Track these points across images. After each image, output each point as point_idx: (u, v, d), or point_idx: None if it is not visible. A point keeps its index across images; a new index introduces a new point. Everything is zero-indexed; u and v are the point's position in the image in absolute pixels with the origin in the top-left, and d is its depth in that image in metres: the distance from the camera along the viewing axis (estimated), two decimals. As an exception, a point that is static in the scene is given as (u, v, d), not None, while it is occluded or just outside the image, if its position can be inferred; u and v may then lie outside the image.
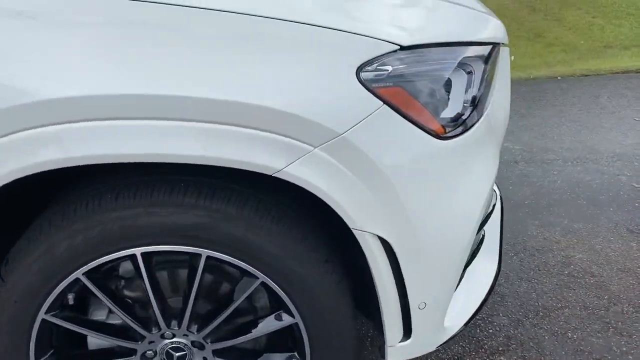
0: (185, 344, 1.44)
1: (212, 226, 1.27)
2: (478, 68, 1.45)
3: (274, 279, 1.32)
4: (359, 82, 1.21)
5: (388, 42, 1.25)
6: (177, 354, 1.45)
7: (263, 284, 1.33)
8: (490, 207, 1.66)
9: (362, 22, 1.28)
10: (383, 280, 1.33)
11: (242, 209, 1.27)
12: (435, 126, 1.30)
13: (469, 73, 1.41)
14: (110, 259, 1.30)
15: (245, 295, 1.36)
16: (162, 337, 1.43)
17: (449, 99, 1.34)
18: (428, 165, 1.29)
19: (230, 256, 1.30)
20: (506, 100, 1.61)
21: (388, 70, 1.24)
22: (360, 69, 1.22)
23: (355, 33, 1.23)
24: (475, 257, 1.65)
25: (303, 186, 1.21)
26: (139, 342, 1.43)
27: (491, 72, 1.49)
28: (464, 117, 1.37)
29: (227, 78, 1.14)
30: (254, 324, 1.43)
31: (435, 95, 1.31)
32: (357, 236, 1.27)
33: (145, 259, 1.31)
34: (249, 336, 1.43)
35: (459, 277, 1.42)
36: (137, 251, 1.30)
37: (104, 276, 1.37)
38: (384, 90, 1.23)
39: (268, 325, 1.41)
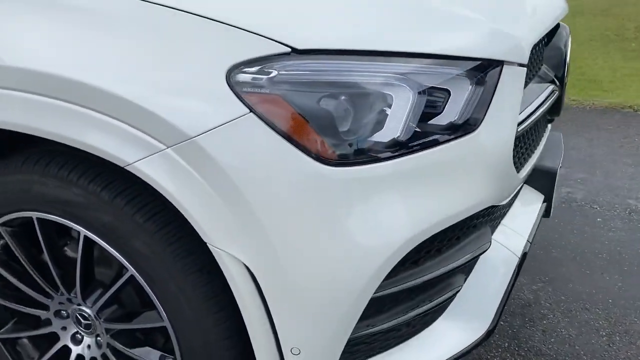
0: (90, 314, 1.47)
1: (86, 207, 1.26)
2: (458, 88, 1.20)
3: (142, 275, 1.27)
4: (227, 83, 1.07)
5: (278, 42, 1.09)
6: (85, 322, 1.49)
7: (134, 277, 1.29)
8: (477, 254, 1.38)
9: (261, 15, 1.13)
10: (248, 311, 1.19)
11: (115, 197, 1.23)
12: (323, 149, 1.10)
13: (423, 93, 1.17)
14: (12, 217, 1.37)
15: (118, 285, 1.33)
16: (70, 301, 1.48)
17: (362, 118, 1.13)
18: (304, 191, 1.11)
19: (104, 241, 1.28)
20: (509, 134, 1.31)
21: (270, 75, 1.08)
22: (234, 69, 1.08)
23: (239, 27, 1.09)
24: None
25: (153, 185, 1.13)
26: (50, 300, 1.49)
27: (487, 96, 1.23)
28: (389, 144, 1.15)
29: (72, 55, 1.10)
30: (136, 314, 1.40)
31: (334, 113, 1.11)
32: (214, 254, 1.16)
33: (43, 224, 1.36)
34: (128, 325, 1.40)
35: (349, 328, 1.21)
36: (34, 215, 1.35)
37: (18, 231, 1.45)
38: (256, 97, 1.08)
39: (142, 319, 1.37)
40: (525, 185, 1.81)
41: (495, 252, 1.51)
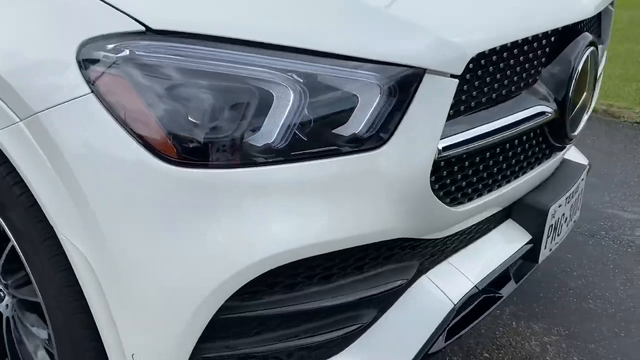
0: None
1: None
2: (362, 95, 1.03)
3: (20, 247, 1.25)
4: (76, 58, 1.00)
5: (133, 18, 0.99)
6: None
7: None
8: (381, 290, 1.20)
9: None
10: (94, 307, 1.12)
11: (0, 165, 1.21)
12: (165, 144, 0.99)
13: (313, 95, 1.02)
14: None
15: (5, 253, 1.32)
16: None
17: (221, 116, 1.00)
18: (141, 189, 1.00)
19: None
20: (426, 156, 1.10)
21: (120, 55, 0.99)
22: (86, 45, 1.00)
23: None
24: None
25: (9, 158, 1.09)
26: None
27: (399, 109, 1.05)
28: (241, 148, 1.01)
29: None
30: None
31: (184, 105, 0.98)
32: (60, 240, 1.09)
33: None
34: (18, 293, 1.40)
35: (189, 344, 1.09)
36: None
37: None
38: (100, 76, 0.99)
39: (26, 292, 1.36)
40: (510, 219, 1.54)
41: (427, 294, 1.29)
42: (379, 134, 1.07)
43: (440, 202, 1.16)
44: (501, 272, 1.48)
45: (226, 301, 1.06)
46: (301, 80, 1.02)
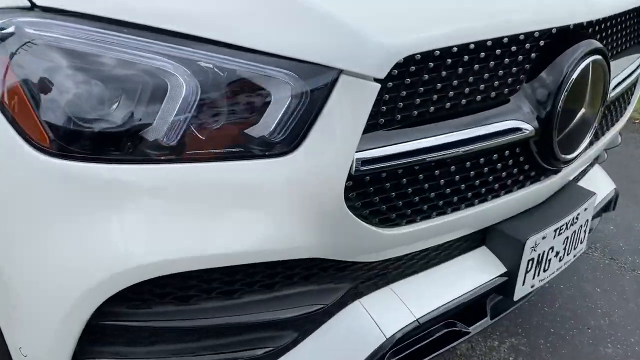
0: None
1: None
2: (276, 93, 0.93)
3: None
4: None
5: (19, -8, 0.92)
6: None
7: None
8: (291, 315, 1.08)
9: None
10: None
11: None
12: (39, 132, 0.91)
13: (198, 86, 0.92)
14: None
15: None
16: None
17: (102, 104, 0.91)
18: (14, 179, 0.94)
19: None
20: (340, 167, 0.97)
21: (4, 31, 0.92)
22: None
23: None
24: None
25: None
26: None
27: (310, 113, 0.93)
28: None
29: None
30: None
31: (61, 90, 0.91)
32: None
33: None
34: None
35: (67, 347, 1.02)
36: None
37: None
38: (-17, 55, 0.93)
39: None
40: (485, 247, 1.36)
41: (356, 322, 1.16)
42: (288, 139, 0.95)
43: (361, 222, 1.02)
44: (470, 304, 1.32)
45: (109, 306, 0.99)
46: (199, 73, 0.92)
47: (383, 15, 0.96)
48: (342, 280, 1.13)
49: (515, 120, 1.15)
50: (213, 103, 0.93)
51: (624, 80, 1.48)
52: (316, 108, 0.93)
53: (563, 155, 1.27)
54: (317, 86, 0.93)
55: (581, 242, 1.51)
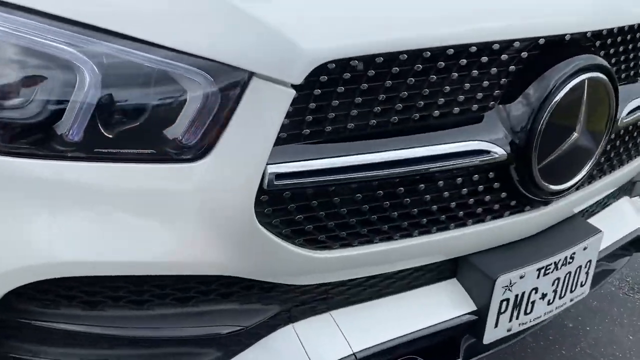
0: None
1: None
2: (183, 93, 0.87)
3: None
4: None
5: None
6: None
7: None
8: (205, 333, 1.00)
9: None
10: None
11: None
12: None
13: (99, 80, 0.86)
14: None
15: None
16: None
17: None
18: None
19: None
20: (251, 177, 0.88)
21: None
22: None
23: None
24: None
25: None
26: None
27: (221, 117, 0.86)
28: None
29: None
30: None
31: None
32: None
33: None
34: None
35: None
36: None
37: None
38: None
39: None
40: (455, 279, 1.21)
41: (285, 349, 1.06)
42: (198, 144, 0.87)
43: (280, 241, 0.92)
44: (440, 342, 1.19)
45: (17, 303, 0.95)
46: (104, 66, 0.85)
47: (309, 18, 0.86)
48: (270, 302, 1.03)
49: (480, 142, 1.01)
50: (118, 99, 0.86)
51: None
52: (226, 113, 0.85)
53: (549, 186, 1.11)
54: (228, 89, 0.85)
55: (582, 285, 1.33)
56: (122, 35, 0.85)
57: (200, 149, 0.88)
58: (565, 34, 1.06)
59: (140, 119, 0.88)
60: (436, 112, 0.99)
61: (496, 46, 0.99)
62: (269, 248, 0.92)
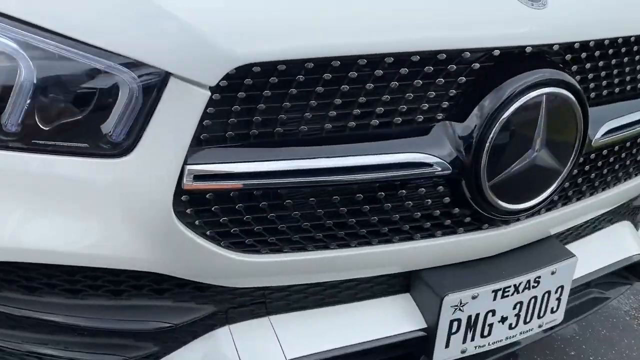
0: None
1: None
2: (109, 90, 0.90)
3: None
4: None
5: None
6: None
7: None
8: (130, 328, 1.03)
9: None
10: None
11: None
12: None
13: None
14: None
15: None
16: None
17: None
18: None
19: None
20: (169, 176, 0.89)
21: None
22: None
23: None
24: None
25: None
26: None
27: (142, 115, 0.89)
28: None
29: None
30: None
31: None
32: None
33: None
34: None
35: None
36: None
37: None
38: None
39: None
40: (409, 294, 1.18)
41: (218, 351, 1.05)
42: (124, 141, 0.89)
43: (202, 241, 0.92)
44: (391, 356, 1.16)
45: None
46: (38, 59, 0.89)
47: (229, 21, 0.86)
48: (205, 301, 1.04)
49: (422, 154, 0.98)
50: (51, 94, 0.90)
51: (632, 124, 1.21)
52: (147, 111, 0.87)
53: (504, 205, 1.06)
54: (149, 88, 0.86)
55: (552, 312, 1.26)
56: (56, 33, 0.88)
57: (125, 146, 0.89)
58: (526, 46, 1.01)
59: (73, 114, 0.90)
60: (375, 122, 0.97)
61: (442, 56, 0.96)
62: (190, 248, 0.93)
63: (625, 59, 1.15)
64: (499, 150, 1.01)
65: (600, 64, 1.13)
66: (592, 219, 1.38)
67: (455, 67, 0.98)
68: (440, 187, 1.04)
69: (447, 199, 1.06)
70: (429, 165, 0.99)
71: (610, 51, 1.13)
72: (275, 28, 0.88)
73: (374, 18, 0.92)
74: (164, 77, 0.85)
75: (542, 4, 1.01)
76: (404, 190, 1.02)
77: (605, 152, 1.23)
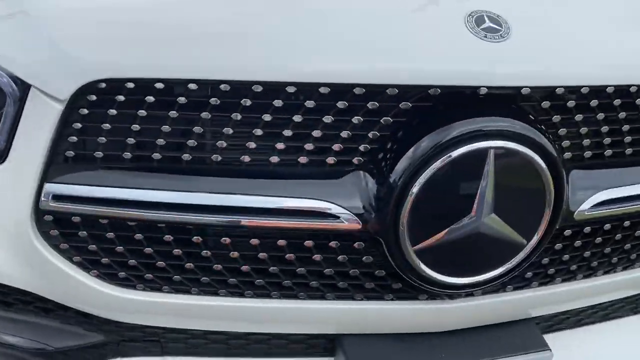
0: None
1: None
2: None
3: None
4: None
5: None
6: None
7: None
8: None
9: None
10: None
11: None
12: None
13: None
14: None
15: None
16: None
17: None
18: None
19: None
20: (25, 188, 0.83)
21: None
22: None
23: None
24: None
25: None
26: None
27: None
28: None
29: None
30: None
31: None
32: None
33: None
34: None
35: None
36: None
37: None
38: None
39: None
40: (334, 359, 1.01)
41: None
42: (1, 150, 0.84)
43: (63, 266, 0.85)
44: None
45: None
46: None
47: (85, 34, 0.79)
48: (93, 329, 0.96)
49: (324, 202, 0.82)
50: None
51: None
52: (13, 123, 0.81)
53: (438, 276, 0.87)
54: (16, 100, 0.80)
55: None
56: None
57: (2, 152, 0.85)
58: (478, 87, 0.81)
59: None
60: (274, 158, 0.83)
61: (360, 90, 0.80)
62: (52, 271, 0.86)
63: (622, 114, 0.90)
64: (427, 209, 0.83)
65: (581, 116, 0.89)
66: (600, 304, 1.12)
67: (377, 104, 0.81)
68: (360, 243, 0.88)
69: (368, 259, 0.89)
70: (334, 217, 0.83)
71: (600, 102, 0.89)
72: (127, 47, 0.78)
73: (268, 38, 0.79)
74: (27, 90, 0.79)
75: (500, 36, 0.81)
76: (310, 241, 0.87)
77: (606, 226, 0.98)
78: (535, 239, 0.89)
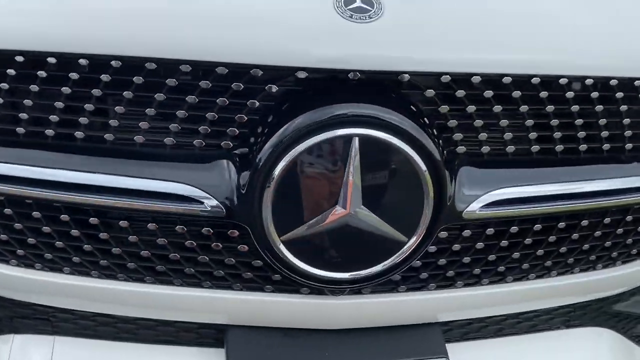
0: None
1: None
2: None
3: None
4: None
5: None
6: None
7: None
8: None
9: None
10: None
11: None
12: None
13: None
14: None
15: None
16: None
17: None
18: None
19: None
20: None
21: None
22: None
23: None
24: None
25: None
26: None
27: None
28: None
29: None
30: None
31: None
32: None
33: None
34: None
35: None
36: None
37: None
38: None
39: None
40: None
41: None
42: None
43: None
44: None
45: None
46: None
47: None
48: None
49: (188, 186, 0.80)
50: None
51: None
52: None
53: (309, 268, 0.83)
54: None
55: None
56: None
57: None
58: (349, 71, 0.77)
59: None
60: (139, 138, 0.81)
61: (222, 70, 0.77)
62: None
63: (524, 107, 0.83)
64: (292, 198, 0.79)
65: (474, 107, 0.82)
66: (525, 313, 1.05)
67: (241, 86, 0.78)
68: (232, 231, 0.84)
69: (243, 248, 0.86)
70: (198, 201, 0.81)
71: (496, 93, 0.82)
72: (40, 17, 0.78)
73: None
74: None
75: (368, 17, 0.76)
76: (182, 226, 0.84)
77: (514, 229, 0.91)
78: (415, 238, 0.83)
